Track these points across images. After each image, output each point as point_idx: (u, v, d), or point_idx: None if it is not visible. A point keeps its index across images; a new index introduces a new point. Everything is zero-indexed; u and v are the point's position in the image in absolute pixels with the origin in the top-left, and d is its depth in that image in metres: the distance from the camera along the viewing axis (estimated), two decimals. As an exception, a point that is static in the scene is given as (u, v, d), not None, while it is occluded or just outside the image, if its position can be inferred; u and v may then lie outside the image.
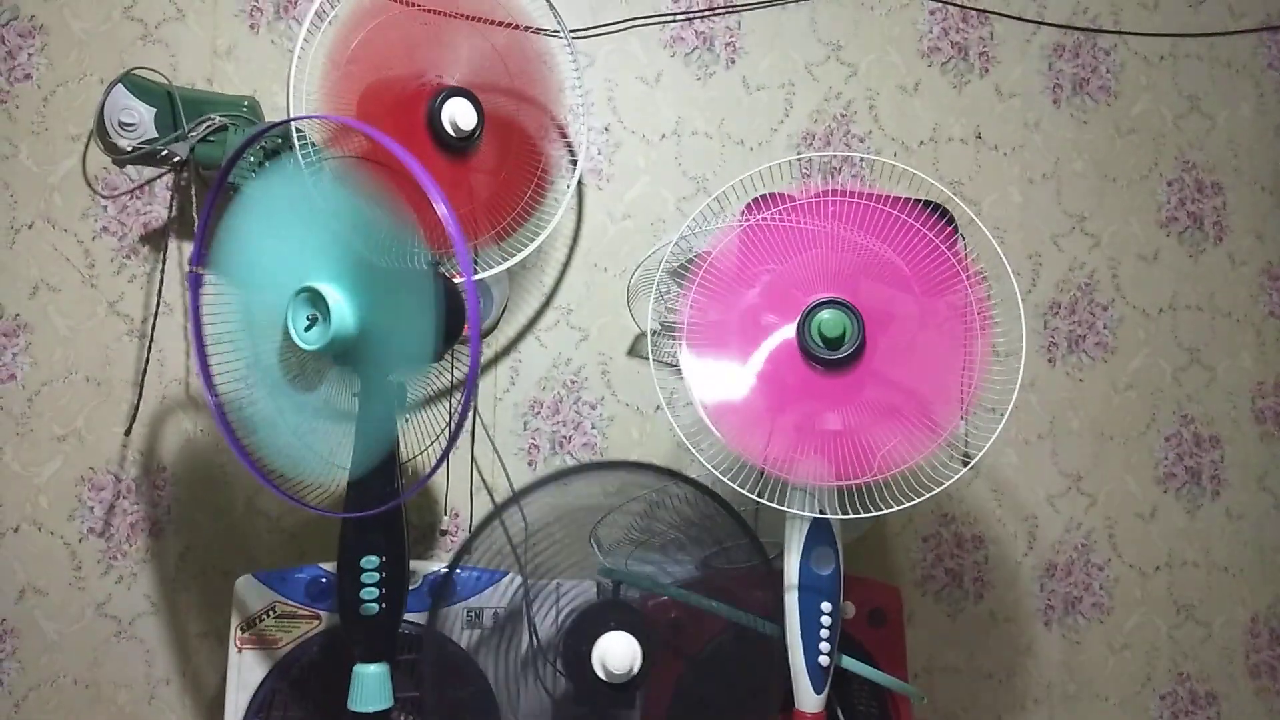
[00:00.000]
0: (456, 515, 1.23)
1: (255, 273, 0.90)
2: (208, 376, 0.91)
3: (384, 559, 0.90)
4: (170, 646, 1.18)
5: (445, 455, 0.88)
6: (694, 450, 0.92)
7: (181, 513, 1.19)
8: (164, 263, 1.18)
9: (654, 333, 1.27)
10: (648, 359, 1.27)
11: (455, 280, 0.91)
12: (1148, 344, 1.39)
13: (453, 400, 1.08)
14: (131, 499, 1.18)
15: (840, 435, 0.89)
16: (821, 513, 0.93)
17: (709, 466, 0.92)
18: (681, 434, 0.92)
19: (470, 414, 0.91)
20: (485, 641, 1.06)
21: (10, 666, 1.16)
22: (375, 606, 0.90)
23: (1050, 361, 1.36)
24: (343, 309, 0.85)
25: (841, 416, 0.90)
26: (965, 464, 1.03)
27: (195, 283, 0.91)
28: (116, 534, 1.18)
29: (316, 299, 0.84)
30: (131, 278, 1.19)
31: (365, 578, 0.90)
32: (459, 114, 1.02)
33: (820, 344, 0.89)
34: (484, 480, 1.22)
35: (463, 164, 1.08)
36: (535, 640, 1.04)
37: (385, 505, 0.89)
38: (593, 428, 1.27)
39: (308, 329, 0.85)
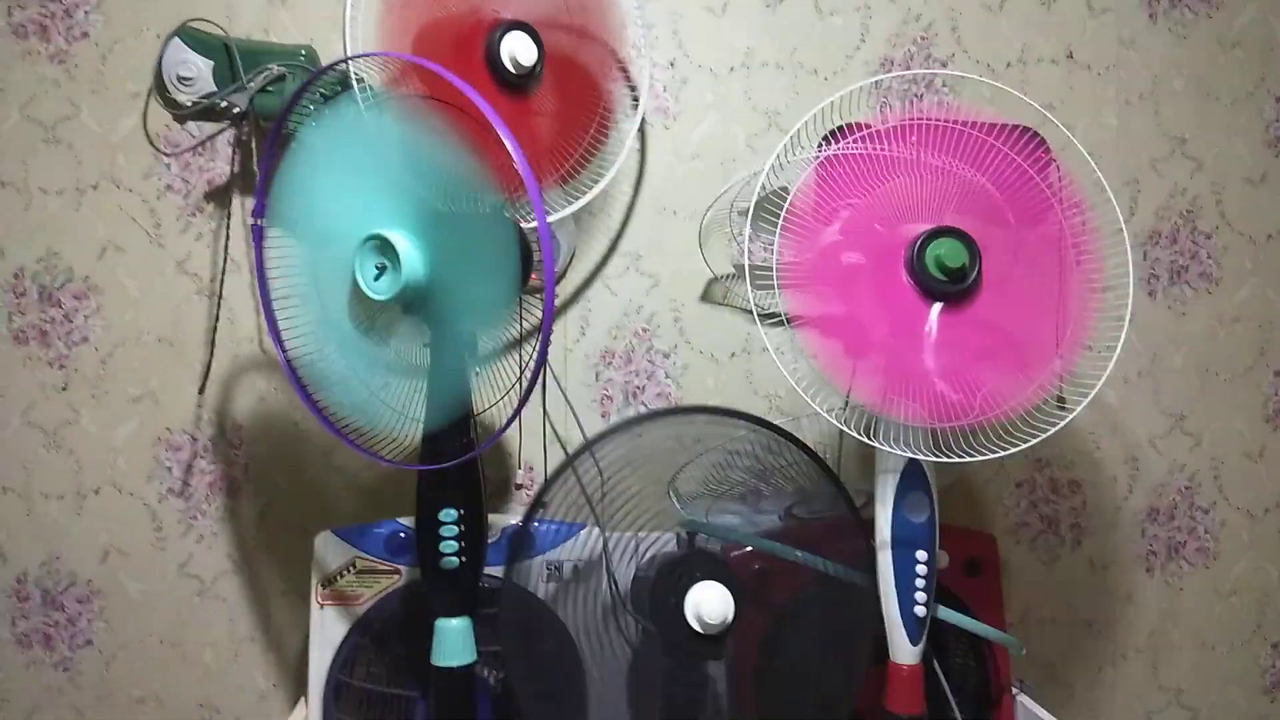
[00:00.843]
0: (530, 469, 1.21)
1: (319, 223, 0.87)
2: (276, 333, 0.90)
3: (462, 512, 0.88)
4: (252, 604, 1.18)
5: (520, 408, 0.85)
6: (806, 396, 0.86)
7: (258, 471, 1.18)
8: (229, 219, 1.16)
9: (728, 276, 1.23)
10: (722, 304, 1.23)
11: (524, 224, 0.88)
12: (1255, 273, 1.30)
13: (524, 351, 1.04)
14: (208, 459, 1.18)
15: (942, 374, 0.84)
16: (927, 452, 0.87)
17: (822, 412, 0.86)
18: (791, 378, 0.87)
19: (544, 365, 0.87)
20: (564, 594, 1.04)
21: (99, 626, 1.17)
22: (455, 560, 0.88)
23: (1150, 294, 1.28)
24: (412, 256, 0.82)
25: (945, 354, 0.85)
26: (1060, 406, 0.98)
27: (258, 236, 0.89)
28: (195, 494, 1.18)
29: (385, 247, 0.81)
30: (198, 236, 1.17)
31: (444, 531, 0.87)
32: (519, 48, 0.98)
33: (941, 277, 0.83)
34: (556, 433, 1.19)
35: (523, 104, 1.04)
36: (616, 591, 1.01)
37: (461, 458, 0.86)
38: (666, 377, 1.23)
39: (377, 278, 0.82)
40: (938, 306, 0.84)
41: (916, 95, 1.24)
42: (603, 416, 1.22)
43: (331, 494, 1.18)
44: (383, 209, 0.83)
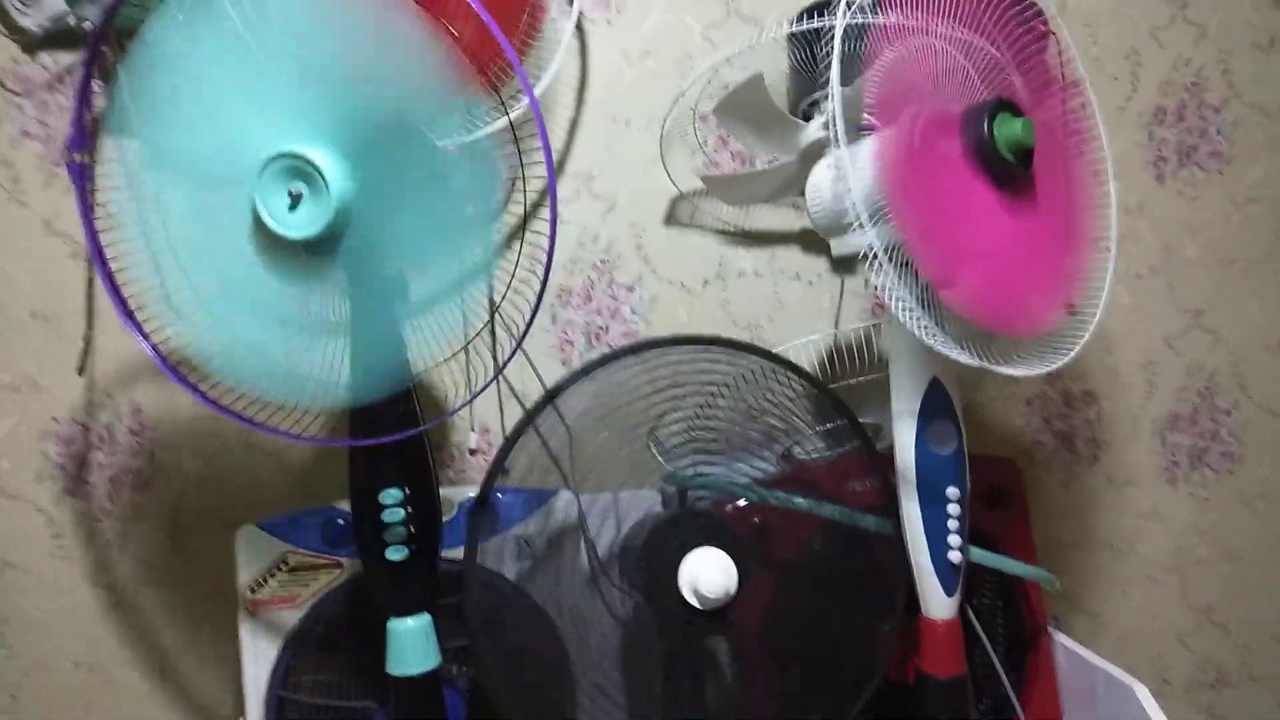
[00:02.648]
0: (486, 430, 1.05)
1: (191, 148, 0.69)
2: (127, 313, 0.68)
3: (408, 491, 0.72)
4: (177, 613, 1.02)
5: (502, 367, 0.70)
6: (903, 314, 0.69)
7: (168, 460, 1.01)
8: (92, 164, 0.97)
9: (696, 192, 1.07)
10: (690, 225, 1.07)
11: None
12: (1270, 147, 1.18)
13: (497, 290, 0.87)
14: (106, 450, 1.01)
15: (1020, 272, 0.70)
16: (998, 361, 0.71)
17: (909, 320, 0.69)
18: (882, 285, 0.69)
19: (535, 311, 0.72)
20: (538, 572, 0.90)
21: (-3, 654, 1.00)
22: (404, 549, 0.73)
23: (1158, 179, 1.16)
24: (338, 173, 0.65)
25: (1019, 250, 0.71)
26: (1071, 312, 0.85)
27: (78, 176, 0.69)
28: (95, 492, 1.01)
29: (299, 168, 0.64)
30: (67, 189, 0.98)
31: (388, 516, 0.72)
32: None
33: (1012, 159, 0.68)
34: (512, 388, 1.04)
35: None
36: (597, 563, 0.87)
37: (404, 430, 0.71)
38: (632, 313, 1.08)
39: (292, 208, 0.65)
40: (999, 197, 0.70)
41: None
42: (563, 364, 1.07)
43: (256, 480, 1.02)
44: (285, 118, 0.66)
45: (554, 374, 1.05)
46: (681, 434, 0.89)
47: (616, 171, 1.06)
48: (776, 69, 0.97)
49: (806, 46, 0.89)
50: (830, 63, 0.66)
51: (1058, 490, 1.15)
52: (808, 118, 0.95)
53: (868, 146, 0.66)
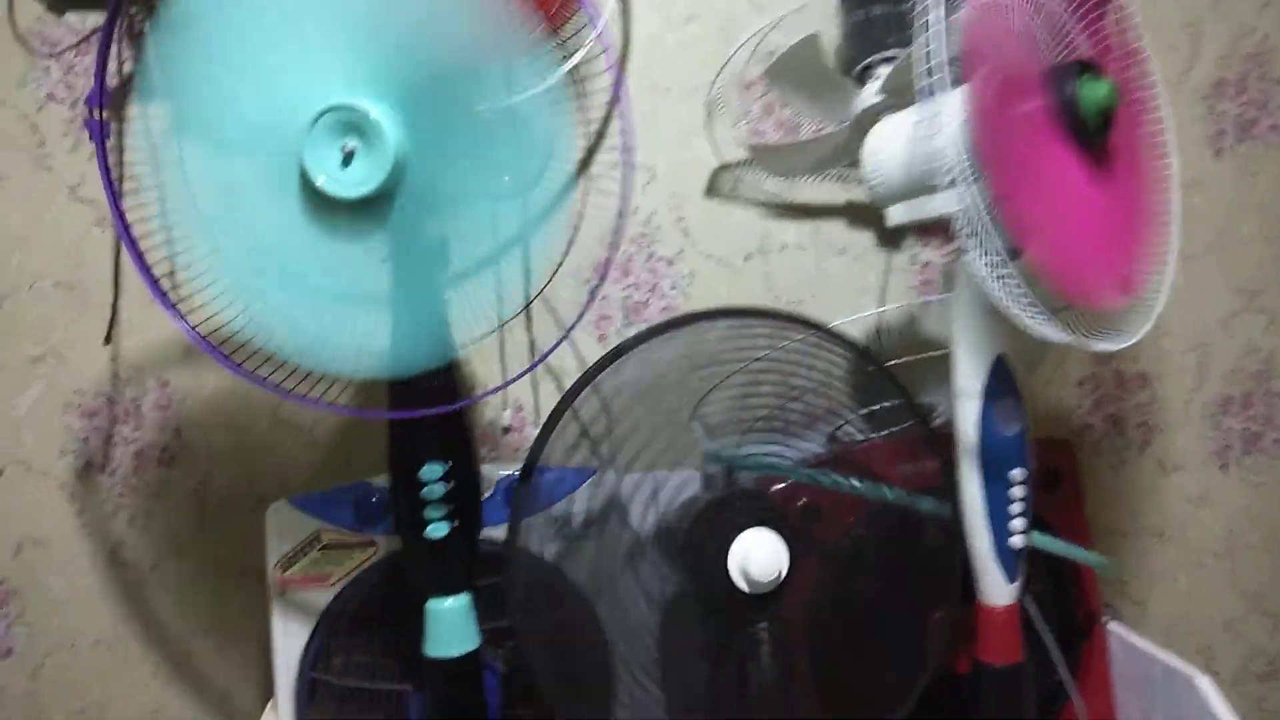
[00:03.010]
0: (520, 409, 1.02)
1: (227, 110, 0.65)
2: (152, 280, 0.64)
3: (450, 465, 0.69)
4: (203, 592, 1.00)
5: (548, 353, 0.66)
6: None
7: (195, 434, 0.99)
8: (122, 128, 0.94)
9: (740, 163, 1.04)
10: (732, 198, 1.04)
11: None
12: (1332, 122, 1.13)
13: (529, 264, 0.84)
14: (132, 424, 0.98)
15: (1108, 241, 0.67)
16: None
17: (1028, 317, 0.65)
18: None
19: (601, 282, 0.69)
20: (577, 552, 0.87)
21: (19, 632, 0.98)
22: (445, 526, 0.70)
23: (1216, 153, 1.11)
24: (392, 123, 0.62)
25: (1106, 218, 0.67)
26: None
27: (99, 134, 0.66)
28: (121, 467, 0.99)
29: (348, 122, 0.61)
30: (92, 155, 0.96)
31: (428, 493, 0.69)
32: None
33: (1098, 121, 0.64)
34: (549, 365, 1.01)
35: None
36: (638, 543, 0.84)
37: (446, 403, 0.67)
38: (672, 288, 1.04)
39: (345, 165, 0.62)
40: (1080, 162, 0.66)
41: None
42: (600, 340, 1.03)
43: (286, 456, 0.99)
44: (330, 73, 0.62)
45: (591, 350, 1.02)
46: (725, 412, 0.86)
47: (656, 141, 1.02)
48: (826, 34, 0.93)
49: (864, 6, 0.85)
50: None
51: (1107, 474, 1.12)
52: (860, 82, 0.91)
53: (952, 101, 0.62)
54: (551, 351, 0.78)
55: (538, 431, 0.77)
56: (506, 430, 1.03)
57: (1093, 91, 0.62)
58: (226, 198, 0.64)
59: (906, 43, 0.86)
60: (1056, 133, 0.63)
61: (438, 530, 0.70)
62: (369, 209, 0.64)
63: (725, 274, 1.05)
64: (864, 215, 1.06)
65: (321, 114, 0.60)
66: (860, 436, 0.90)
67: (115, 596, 0.99)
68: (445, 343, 0.67)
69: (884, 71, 0.87)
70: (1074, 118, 0.63)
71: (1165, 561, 1.14)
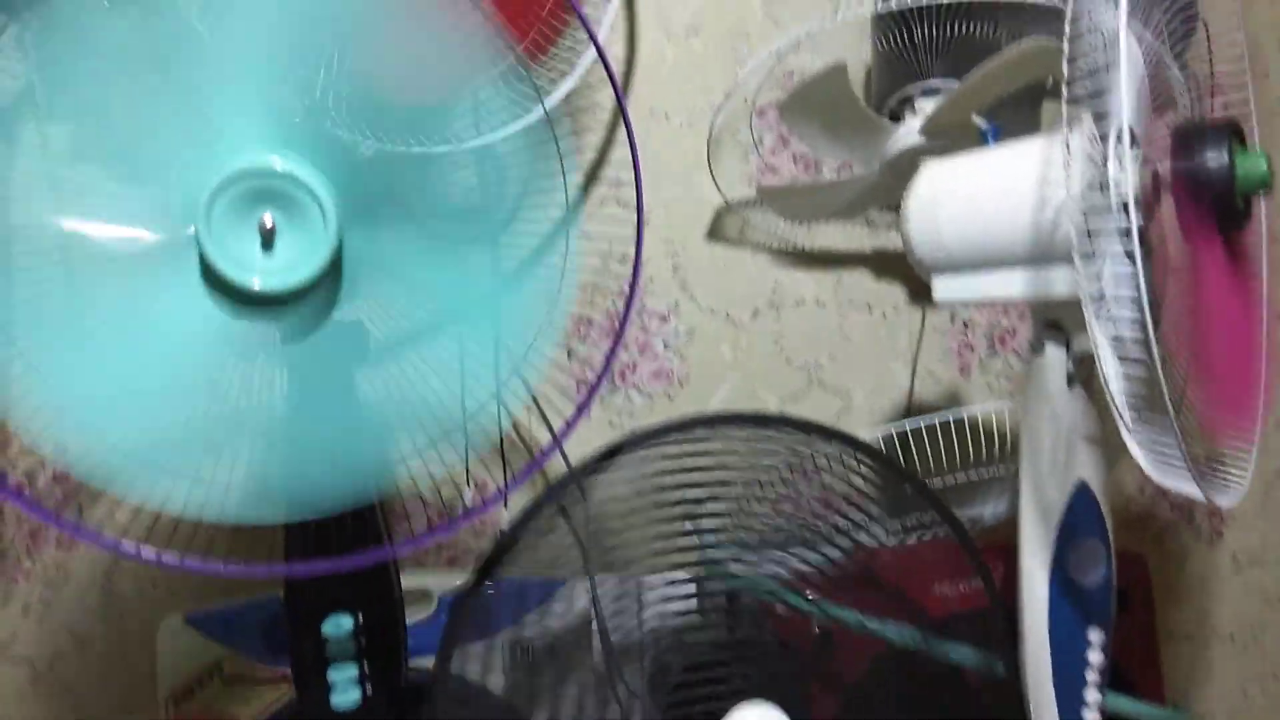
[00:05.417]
0: (481, 485, 0.87)
1: (89, 168, 0.50)
2: None
3: (360, 618, 0.54)
4: (104, 691, 0.85)
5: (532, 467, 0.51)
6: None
7: (99, 514, 0.84)
8: None
9: (747, 202, 0.88)
10: (739, 242, 0.88)
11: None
12: None
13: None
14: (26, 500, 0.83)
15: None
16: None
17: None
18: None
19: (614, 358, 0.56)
20: (536, 682, 0.72)
21: (-112, 742, 0.84)
22: (356, 694, 0.54)
23: (1312, 199, 0.95)
24: (325, 189, 0.46)
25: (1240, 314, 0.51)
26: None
27: None
28: (13, 548, 0.84)
29: (263, 189, 0.46)
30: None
31: (333, 650, 0.54)
32: None
33: (1243, 204, 0.48)
34: (522, 438, 0.86)
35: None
36: (622, 688, 0.69)
37: (364, 549, 0.52)
38: (665, 348, 0.89)
39: (266, 247, 0.46)
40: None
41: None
42: (579, 408, 0.88)
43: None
44: (239, 126, 0.47)
45: (566, 415, 0.86)
46: (728, 516, 0.71)
47: (652, 176, 0.86)
48: (852, 54, 0.77)
49: (902, 29, 0.69)
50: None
51: (1173, 571, 0.96)
52: (895, 117, 0.75)
53: (1072, 151, 0.46)
54: (541, 465, 0.63)
55: (504, 526, 0.63)
56: (468, 511, 0.88)
57: (1252, 168, 0.46)
58: (69, 287, 0.49)
59: (952, 73, 0.71)
60: (1198, 212, 0.47)
61: (346, 698, 0.54)
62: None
63: (729, 332, 0.89)
64: (894, 265, 0.90)
65: (228, 181, 0.45)
66: (889, 543, 0.75)
67: (6, 695, 0.85)
68: (369, 471, 0.52)
69: (925, 106, 0.72)
70: (1225, 198, 0.47)
71: (1235, 670, 0.98)
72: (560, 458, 0.66)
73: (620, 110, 0.56)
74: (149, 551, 0.48)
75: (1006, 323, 0.92)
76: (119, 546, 0.47)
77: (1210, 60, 0.70)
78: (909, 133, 0.71)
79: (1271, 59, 0.93)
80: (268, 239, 0.46)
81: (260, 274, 0.46)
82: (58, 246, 0.48)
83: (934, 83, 0.71)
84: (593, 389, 0.60)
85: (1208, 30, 0.71)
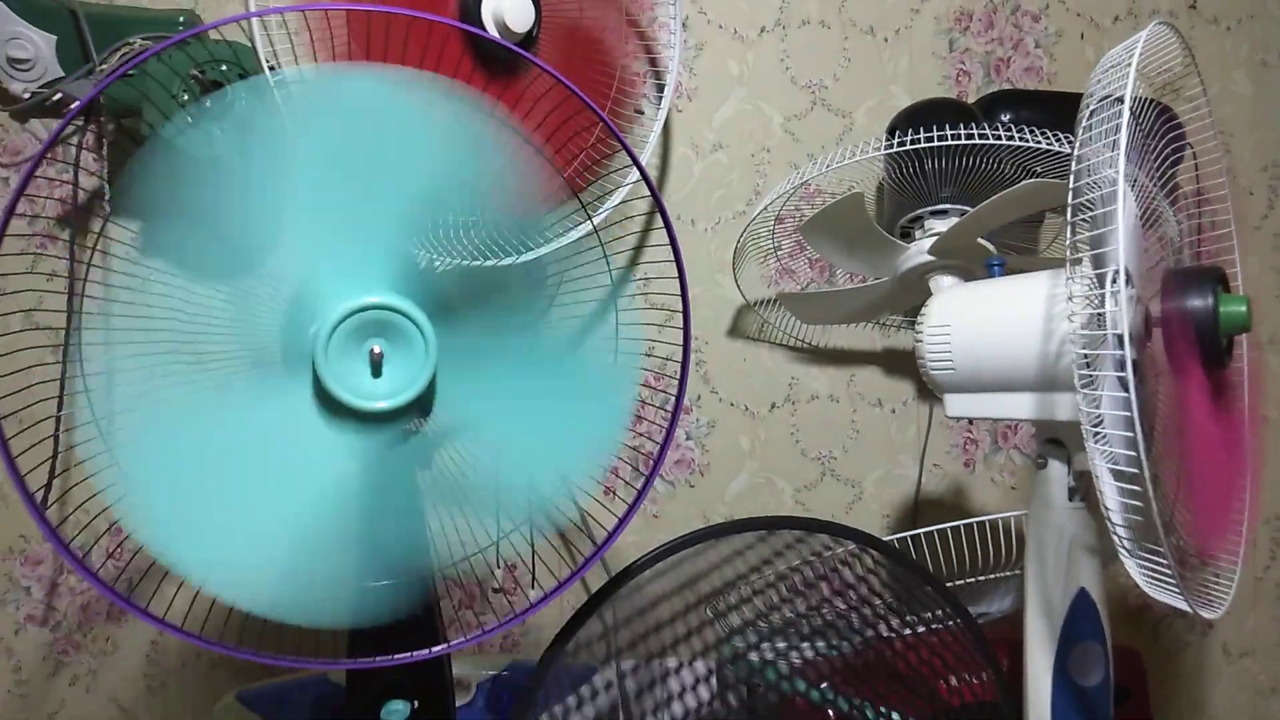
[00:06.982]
0: (513, 567, 0.91)
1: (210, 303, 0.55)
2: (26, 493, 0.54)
3: (415, 705, 0.58)
4: (149, 765, 0.89)
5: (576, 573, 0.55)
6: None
7: (148, 588, 0.88)
8: (91, 251, 0.85)
9: (767, 303, 0.94)
10: (758, 340, 0.94)
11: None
12: None
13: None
14: (78, 574, 0.87)
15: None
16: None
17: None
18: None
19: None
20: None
21: (-64, 806, 0.87)
22: (410, 779, 0.59)
23: (1294, 308, 1.01)
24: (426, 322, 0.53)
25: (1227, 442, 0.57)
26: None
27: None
28: (65, 621, 0.88)
29: (375, 321, 0.52)
30: (52, 275, 0.87)
31: (390, 735, 0.58)
32: (509, 9, 0.69)
33: (1225, 343, 0.54)
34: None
35: (511, 86, 0.74)
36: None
37: (424, 648, 0.57)
38: (687, 438, 0.94)
39: (376, 374, 0.52)
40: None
41: (1002, 60, 0.95)
42: (607, 493, 0.93)
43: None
44: (352, 262, 0.53)
45: (594, 506, 0.91)
46: (748, 606, 0.76)
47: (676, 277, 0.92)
48: (868, 173, 0.84)
49: (914, 160, 0.76)
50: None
51: (1165, 662, 1.00)
52: (904, 235, 0.81)
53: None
54: (591, 564, 0.67)
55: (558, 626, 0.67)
56: (497, 591, 0.92)
57: (1234, 311, 0.52)
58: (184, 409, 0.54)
59: (960, 197, 0.77)
60: (1188, 352, 0.53)
61: (401, 782, 0.58)
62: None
63: (747, 424, 0.95)
64: (903, 364, 0.96)
65: (347, 315, 0.50)
66: (899, 634, 0.79)
67: (50, 766, 0.88)
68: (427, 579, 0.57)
69: (935, 225, 0.78)
70: (1209, 340, 0.52)
71: (1230, 759, 1.02)
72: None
73: (671, 243, 0.61)
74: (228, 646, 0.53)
75: (1008, 421, 0.97)
76: (199, 640, 0.52)
77: (1197, 178, 0.77)
78: (919, 251, 0.77)
79: (1254, 177, 1.00)
80: (376, 366, 0.52)
81: (372, 398, 0.51)
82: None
83: (943, 205, 0.78)
84: (641, 493, 0.65)
85: (1194, 154, 0.77)
